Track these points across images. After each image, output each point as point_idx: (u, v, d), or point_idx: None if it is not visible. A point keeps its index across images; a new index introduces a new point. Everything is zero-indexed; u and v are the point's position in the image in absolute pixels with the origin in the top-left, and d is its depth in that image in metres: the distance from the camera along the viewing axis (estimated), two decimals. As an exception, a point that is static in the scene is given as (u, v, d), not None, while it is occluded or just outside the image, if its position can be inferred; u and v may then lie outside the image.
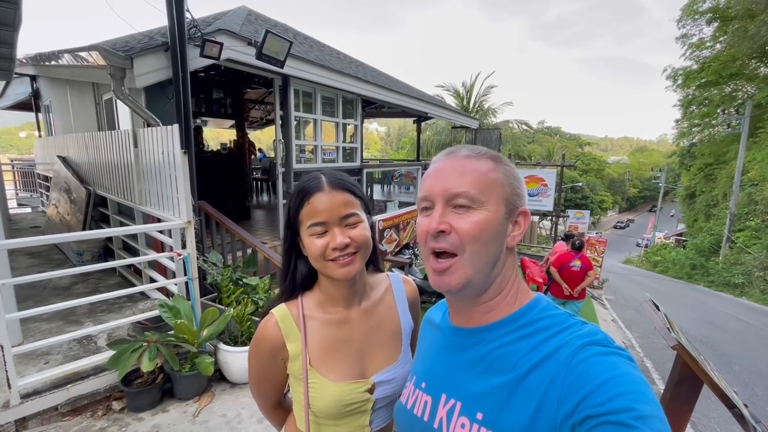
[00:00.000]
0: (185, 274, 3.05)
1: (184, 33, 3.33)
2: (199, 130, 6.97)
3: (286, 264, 0.93)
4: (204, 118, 8.60)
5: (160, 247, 3.55)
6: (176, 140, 2.99)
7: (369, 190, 8.26)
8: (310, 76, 5.17)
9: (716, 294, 14.16)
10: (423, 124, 11.16)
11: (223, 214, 4.14)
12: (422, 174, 8.93)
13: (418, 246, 1.02)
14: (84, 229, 4.36)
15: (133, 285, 3.99)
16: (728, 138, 20.67)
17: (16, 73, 5.46)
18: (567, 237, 7.13)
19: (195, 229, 3.18)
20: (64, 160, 5.46)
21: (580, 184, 38.02)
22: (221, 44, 3.51)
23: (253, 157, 9.55)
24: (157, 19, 3.64)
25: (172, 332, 2.76)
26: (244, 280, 3.53)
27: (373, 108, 9.42)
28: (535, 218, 17.57)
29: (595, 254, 10.84)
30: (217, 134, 19.59)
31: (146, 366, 2.46)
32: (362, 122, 7.03)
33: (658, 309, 2.04)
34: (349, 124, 6.69)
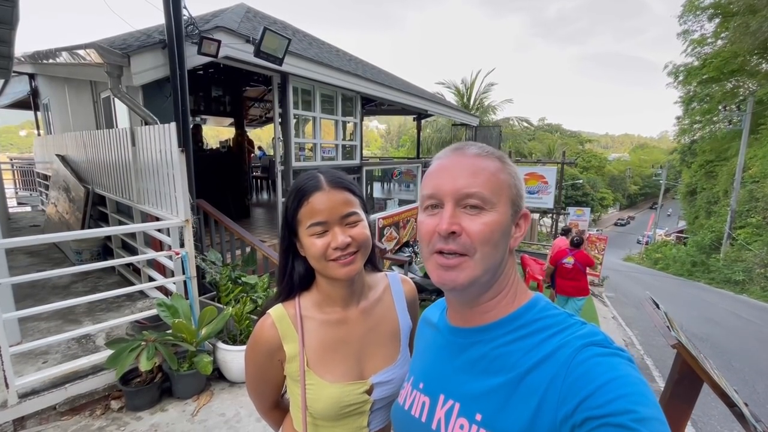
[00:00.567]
0: (183, 273, 3.05)
1: (182, 30, 3.31)
2: (198, 128, 6.97)
3: (283, 264, 0.91)
4: (203, 116, 8.60)
5: (158, 245, 3.54)
6: (174, 138, 2.98)
7: (369, 188, 8.24)
8: (309, 74, 5.15)
9: (717, 291, 14.16)
10: (423, 121, 11.16)
11: (223, 212, 4.14)
12: (422, 172, 8.92)
13: (418, 244, 1.00)
14: (83, 227, 4.36)
15: (131, 284, 3.98)
16: (729, 135, 20.63)
17: (14, 72, 5.45)
18: (565, 232, 7.12)
19: (193, 227, 3.17)
20: (63, 159, 5.45)
21: (581, 181, 38.03)
22: (219, 41, 3.50)
23: (252, 155, 9.54)
24: (157, 18, 3.63)
25: (170, 331, 2.75)
26: (242, 278, 3.52)
27: (372, 105, 9.39)
28: (536, 215, 17.57)
29: (596, 251, 10.88)
30: (217, 132, 19.59)
31: (144, 365, 2.46)
32: (362, 120, 7.01)
33: (658, 308, 2.03)
34: (348, 122, 6.67)
